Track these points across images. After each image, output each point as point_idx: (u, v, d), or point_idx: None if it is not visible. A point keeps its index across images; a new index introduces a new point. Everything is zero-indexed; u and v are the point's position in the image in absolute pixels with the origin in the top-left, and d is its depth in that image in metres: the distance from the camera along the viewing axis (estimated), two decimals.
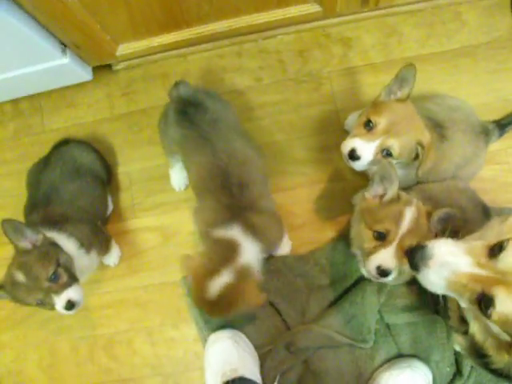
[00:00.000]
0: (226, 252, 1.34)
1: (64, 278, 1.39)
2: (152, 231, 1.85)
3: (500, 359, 1.15)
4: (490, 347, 1.14)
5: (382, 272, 1.28)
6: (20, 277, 1.35)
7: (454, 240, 1.08)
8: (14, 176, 1.94)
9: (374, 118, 1.33)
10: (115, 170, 1.90)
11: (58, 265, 1.39)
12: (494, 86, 1.84)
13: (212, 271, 1.30)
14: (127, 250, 1.85)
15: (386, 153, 1.34)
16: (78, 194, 1.59)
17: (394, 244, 1.26)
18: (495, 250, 1.01)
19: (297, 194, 1.81)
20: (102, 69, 1.92)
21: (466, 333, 1.27)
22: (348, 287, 1.71)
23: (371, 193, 1.35)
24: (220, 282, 1.27)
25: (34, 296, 1.36)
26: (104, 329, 1.83)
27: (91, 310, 1.84)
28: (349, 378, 1.68)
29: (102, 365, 1.82)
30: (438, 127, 1.49)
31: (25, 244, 1.37)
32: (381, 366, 1.66)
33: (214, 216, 1.41)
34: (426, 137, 1.35)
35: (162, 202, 1.86)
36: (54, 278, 1.37)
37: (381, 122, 1.32)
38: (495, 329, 1.04)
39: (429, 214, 1.31)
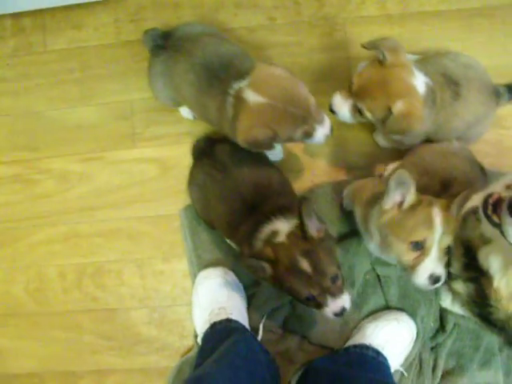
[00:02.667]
0: None
1: (340, 281, 1.21)
2: (150, 162, 1.71)
3: (503, 310, 1.11)
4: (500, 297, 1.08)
5: (435, 280, 1.19)
6: (305, 265, 1.16)
7: None
8: (10, 95, 1.77)
9: (354, 78, 1.33)
10: (116, 97, 1.74)
11: (339, 266, 1.22)
12: (508, 48, 1.71)
13: None
14: (123, 180, 1.71)
15: (360, 112, 1.35)
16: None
17: (435, 249, 1.16)
18: None
19: None
20: None
21: (468, 280, 1.22)
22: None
23: (389, 203, 1.20)
24: None
25: (310, 290, 1.17)
26: (94, 257, 1.70)
27: (82, 237, 1.70)
28: (334, 325, 1.59)
29: (89, 293, 1.70)
30: (452, 84, 1.40)
31: (313, 231, 1.19)
32: (367, 316, 1.60)
33: None
34: (402, 103, 1.27)
35: (163, 133, 1.71)
36: (335, 278, 1.19)
37: (356, 83, 1.32)
38: None
39: (446, 205, 1.19)
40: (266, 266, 1.19)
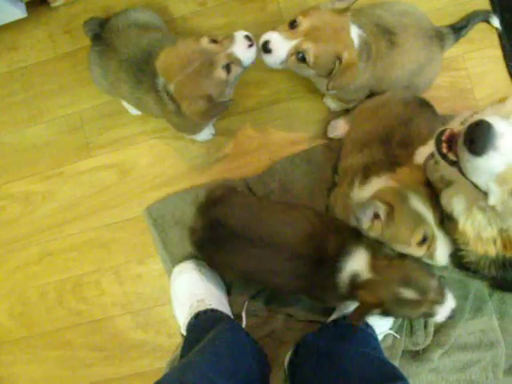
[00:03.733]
0: None
1: (441, 287, 1.17)
2: (108, 168, 1.66)
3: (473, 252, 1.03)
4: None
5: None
6: (409, 294, 1.12)
7: None
8: None
9: (299, 18, 1.15)
10: (65, 110, 1.69)
11: (433, 274, 1.19)
12: None
13: None
14: (85, 190, 1.67)
15: (302, 56, 1.17)
16: None
17: (438, 231, 1.10)
18: None
19: (251, 117, 1.62)
20: (40, 7, 1.67)
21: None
22: None
23: (366, 224, 1.13)
24: None
25: (420, 310, 1.14)
26: (70, 272, 1.66)
27: (55, 254, 1.67)
28: None
29: (72, 308, 1.66)
30: (387, 34, 1.32)
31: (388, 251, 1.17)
32: None
33: None
34: (347, 53, 1.18)
35: (116, 137, 1.65)
36: (438, 289, 1.15)
37: (304, 23, 1.15)
38: None
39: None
40: (375, 310, 1.16)
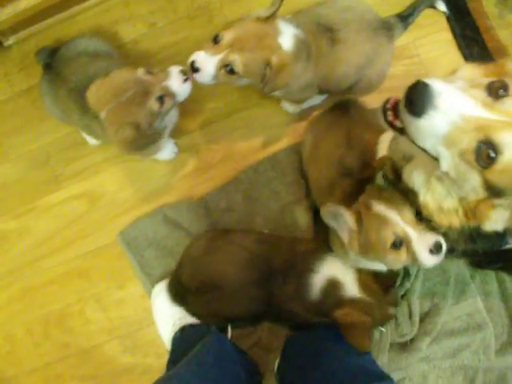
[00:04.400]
0: None
1: None
2: (78, 198, 1.65)
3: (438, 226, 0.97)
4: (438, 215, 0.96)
5: (437, 249, 1.06)
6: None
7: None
8: None
9: (221, 32, 1.15)
10: (29, 147, 1.69)
11: None
12: None
13: None
14: (59, 223, 1.66)
15: (230, 69, 1.16)
16: None
17: (409, 229, 1.06)
18: (496, 91, 0.79)
19: (212, 129, 1.62)
20: None
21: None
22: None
23: (345, 235, 1.13)
24: None
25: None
26: (53, 305, 1.65)
27: (37, 289, 1.66)
28: None
29: (59, 340, 1.64)
30: (327, 31, 1.29)
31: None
32: None
33: None
34: (276, 57, 1.16)
35: (82, 167, 1.65)
36: None
37: (226, 36, 1.15)
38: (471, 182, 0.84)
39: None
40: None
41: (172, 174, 1.62)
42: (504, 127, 0.78)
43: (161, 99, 1.16)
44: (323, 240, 1.31)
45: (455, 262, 1.53)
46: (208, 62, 1.17)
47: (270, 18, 1.18)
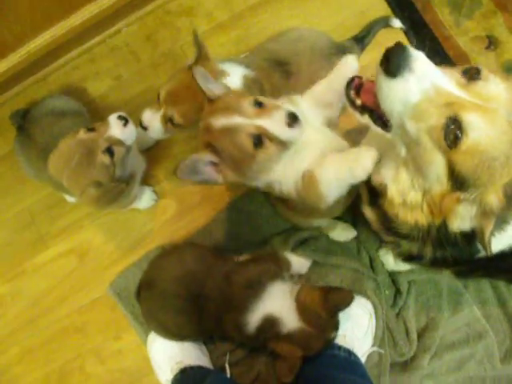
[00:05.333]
0: None
1: None
2: (66, 255, 1.67)
3: (406, 224, 0.95)
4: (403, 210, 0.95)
5: (291, 119, 0.98)
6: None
7: None
8: None
9: (159, 91, 1.22)
10: (13, 210, 1.72)
11: None
12: (343, 3, 1.64)
13: None
14: (50, 281, 1.67)
15: (172, 122, 1.22)
16: None
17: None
18: (471, 75, 0.81)
19: None
20: None
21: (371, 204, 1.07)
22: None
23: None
24: None
25: None
26: (52, 364, 1.64)
27: (34, 350, 1.66)
28: None
29: None
30: (279, 66, 1.32)
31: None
32: None
33: None
34: None
35: (67, 224, 1.67)
36: None
37: (162, 92, 1.21)
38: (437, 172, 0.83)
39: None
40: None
41: (154, 220, 1.63)
42: (473, 108, 0.77)
43: (109, 150, 1.17)
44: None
45: (445, 274, 1.50)
46: (153, 119, 1.23)
47: (202, 62, 1.20)
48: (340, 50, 1.43)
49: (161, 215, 1.63)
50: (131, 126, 1.20)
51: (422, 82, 0.78)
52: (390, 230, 1.03)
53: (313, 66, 1.35)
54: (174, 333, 1.42)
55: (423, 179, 0.88)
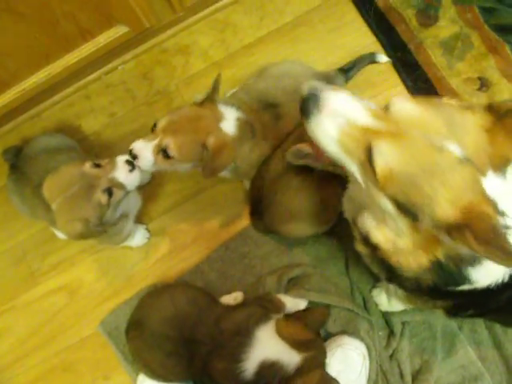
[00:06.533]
0: None
1: None
2: (56, 292, 1.64)
3: (407, 266, 0.92)
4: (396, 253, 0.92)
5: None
6: None
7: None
8: None
9: (158, 120, 1.20)
10: (4, 246, 1.69)
11: None
12: (337, 43, 1.66)
13: None
14: (39, 319, 1.63)
15: (165, 153, 1.18)
16: None
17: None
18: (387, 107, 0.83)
19: (180, 211, 1.62)
20: None
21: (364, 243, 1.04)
22: None
23: None
24: None
25: None
26: None
27: None
28: None
29: None
30: (269, 107, 1.33)
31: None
32: None
33: None
34: (213, 138, 1.19)
35: (58, 260, 1.65)
36: None
37: (162, 122, 1.18)
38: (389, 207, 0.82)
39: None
40: None
41: (146, 258, 1.61)
42: (384, 135, 0.79)
43: (109, 191, 1.15)
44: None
45: (439, 315, 1.48)
46: (145, 149, 1.18)
47: (208, 102, 1.21)
48: (324, 79, 1.43)
49: (153, 253, 1.61)
50: (137, 173, 1.19)
51: (335, 119, 0.83)
52: (390, 271, 1.01)
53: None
54: (160, 375, 1.38)
55: (392, 221, 0.86)
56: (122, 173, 1.16)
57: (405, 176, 0.77)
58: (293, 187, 1.27)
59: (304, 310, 1.37)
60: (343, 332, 1.47)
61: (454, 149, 0.76)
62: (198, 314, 1.30)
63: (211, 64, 1.67)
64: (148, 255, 1.60)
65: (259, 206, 1.38)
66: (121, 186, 1.17)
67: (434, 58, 1.63)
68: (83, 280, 1.63)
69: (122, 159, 1.17)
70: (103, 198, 1.14)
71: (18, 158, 1.45)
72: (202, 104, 1.21)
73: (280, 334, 1.23)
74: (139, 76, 1.69)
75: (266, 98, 1.33)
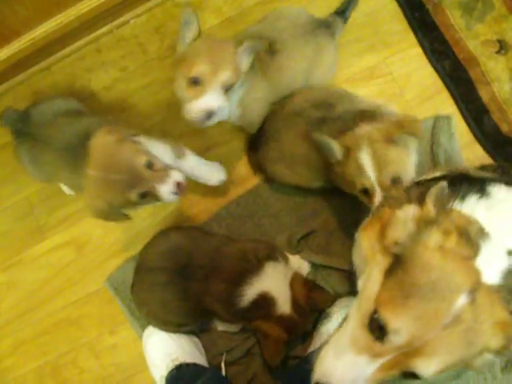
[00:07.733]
0: None
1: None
2: (64, 247, 1.63)
3: None
4: None
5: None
6: None
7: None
8: None
9: (193, 72, 1.17)
10: (12, 199, 1.68)
11: None
12: None
13: None
14: (47, 272, 1.63)
15: (226, 88, 1.21)
16: None
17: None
18: (375, 330, 0.77)
19: None
20: None
21: None
22: None
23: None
24: None
25: None
26: (46, 356, 1.61)
27: (28, 342, 1.62)
28: None
29: None
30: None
31: None
32: None
33: None
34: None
35: (66, 215, 1.63)
36: None
37: (200, 68, 1.16)
38: None
39: None
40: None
41: (154, 214, 1.59)
42: None
43: (143, 195, 1.11)
44: None
45: None
46: (211, 96, 1.19)
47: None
48: (323, 25, 1.42)
49: (162, 210, 1.59)
50: (176, 196, 1.14)
51: None
52: None
53: (297, 41, 1.35)
54: (161, 318, 1.41)
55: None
56: (167, 190, 1.12)
57: None
58: (298, 132, 1.28)
59: (317, 286, 1.39)
60: (349, 294, 1.46)
61: None
62: (193, 243, 1.32)
63: (224, 20, 1.63)
64: (155, 213, 1.58)
65: (259, 139, 1.40)
66: (156, 198, 1.13)
67: (453, 19, 1.58)
68: (91, 235, 1.62)
69: (175, 178, 1.12)
70: (134, 197, 1.10)
71: (25, 124, 1.36)
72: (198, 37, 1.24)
73: (291, 284, 1.25)
74: (151, 30, 1.65)
75: (261, 36, 1.33)
